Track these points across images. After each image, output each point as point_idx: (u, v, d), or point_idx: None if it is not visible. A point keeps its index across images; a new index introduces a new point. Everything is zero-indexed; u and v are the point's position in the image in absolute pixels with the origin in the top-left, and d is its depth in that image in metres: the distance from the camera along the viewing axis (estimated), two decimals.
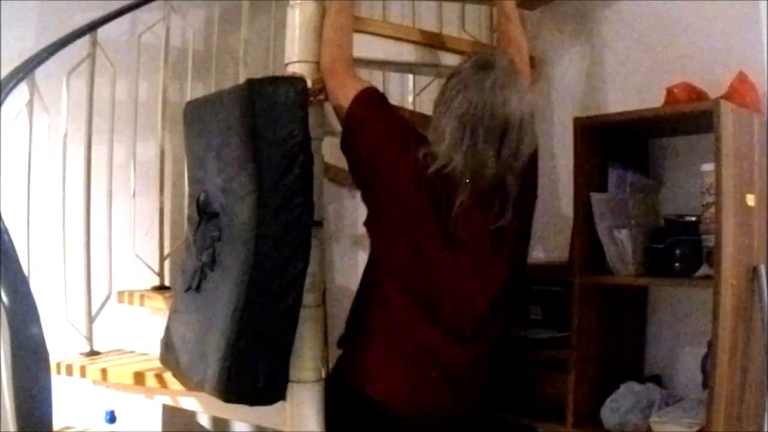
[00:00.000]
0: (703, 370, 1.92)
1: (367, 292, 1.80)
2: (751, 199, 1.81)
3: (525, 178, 1.75)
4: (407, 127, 1.79)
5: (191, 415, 2.84)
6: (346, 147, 1.79)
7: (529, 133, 1.68)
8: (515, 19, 2.00)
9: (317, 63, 1.81)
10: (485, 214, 1.71)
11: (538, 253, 2.37)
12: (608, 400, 1.96)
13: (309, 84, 1.75)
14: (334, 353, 1.88)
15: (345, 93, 1.76)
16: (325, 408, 1.80)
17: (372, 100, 1.77)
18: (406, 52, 2.03)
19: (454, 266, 1.72)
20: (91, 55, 2.41)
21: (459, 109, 1.65)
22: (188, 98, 2.49)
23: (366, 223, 1.81)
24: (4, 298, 1.59)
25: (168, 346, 1.96)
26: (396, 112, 1.84)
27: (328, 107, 1.85)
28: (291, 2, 1.84)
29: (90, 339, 2.43)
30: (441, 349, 1.74)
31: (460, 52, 2.17)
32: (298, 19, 1.82)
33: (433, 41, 2.09)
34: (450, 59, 2.11)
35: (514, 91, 1.66)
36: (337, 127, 1.82)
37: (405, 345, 1.73)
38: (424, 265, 1.72)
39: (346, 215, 2.51)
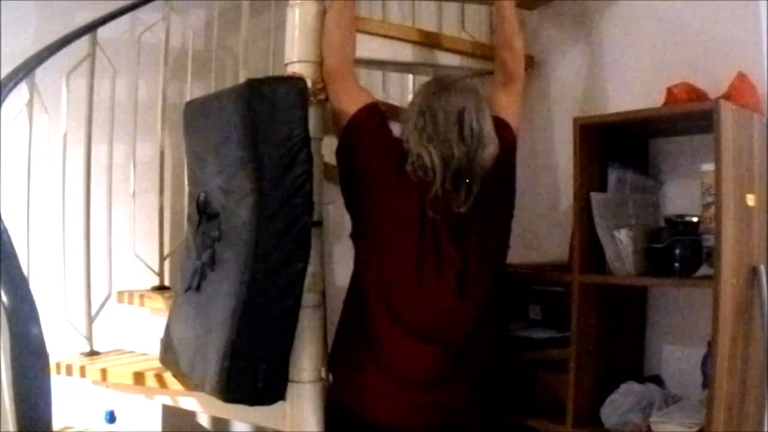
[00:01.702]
0: (703, 370, 1.92)
1: (351, 308, 1.82)
2: (751, 199, 1.81)
3: (499, 181, 1.80)
4: (401, 147, 1.82)
5: (191, 415, 2.84)
6: (342, 157, 1.82)
7: (488, 126, 1.76)
8: (512, 19, 1.99)
9: (317, 63, 1.81)
10: (452, 201, 1.75)
11: (538, 254, 2.37)
12: (608, 400, 1.96)
13: (309, 84, 1.75)
14: None
15: (348, 102, 1.79)
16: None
17: (373, 118, 1.80)
18: (406, 52, 2.03)
19: (433, 275, 1.75)
20: (91, 55, 2.41)
21: (419, 105, 1.77)
22: (188, 98, 2.49)
23: (352, 236, 1.84)
24: (4, 298, 1.59)
25: (168, 346, 1.96)
26: (392, 132, 1.89)
27: (329, 107, 1.85)
28: (291, 2, 1.84)
29: (90, 339, 2.43)
30: (423, 360, 1.76)
31: (460, 52, 2.17)
32: (298, 19, 1.82)
33: (433, 41, 2.09)
34: (449, 59, 2.12)
35: (468, 92, 1.78)
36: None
37: (388, 359, 1.75)
38: (404, 275, 1.75)
39: (346, 215, 2.50)
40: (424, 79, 2.65)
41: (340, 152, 1.82)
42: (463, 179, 1.74)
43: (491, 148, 1.76)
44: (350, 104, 1.79)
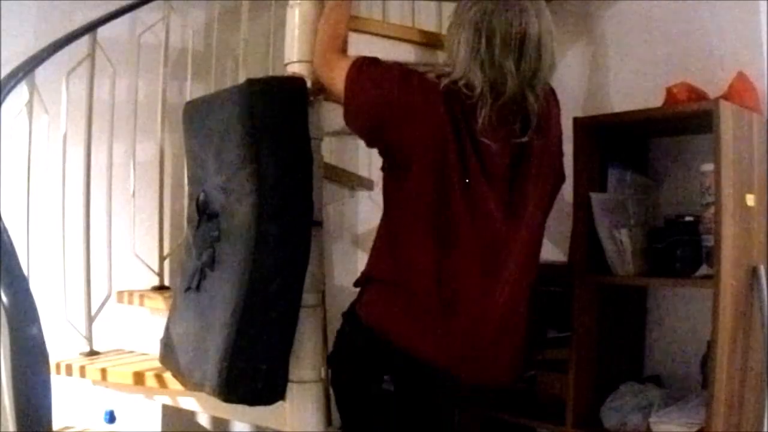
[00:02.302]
0: (703, 370, 1.92)
1: (389, 239, 1.70)
2: (750, 199, 1.81)
3: (549, 118, 1.71)
4: (405, 69, 1.72)
5: (191, 415, 2.83)
6: (353, 118, 1.71)
7: (549, 51, 1.64)
8: None
9: None
10: (507, 131, 1.64)
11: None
12: (608, 400, 1.96)
13: (309, 84, 1.75)
14: None
15: (339, 75, 1.69)
16: (341, 346, 1.77)
17: (364, 64, 1.70)
18: (406, 52, 2.03)
19: (478, 193, 1.63)
20: (91, 55, 2.41)
21: (473, 19, 1.60)
22: (188, 98, 2.49)
23: (384, 168, 1.73)
24: (4, 298, 1.59)
25: (168, 346, 1.96)
26: (389, 64, 1.75)
27: (328, 107, 1.85)
28: (291, 2, 1.84)
29: (90, 339, 2.43)
30: (469, 291, 1.64)
31: None
32: (297, 19, 1.82)
33: (433, 41, 2.09)
34: None
35: (530, 2, 1.62)
36: (337, 126, 1.82)
37: (430, 291, 1.62)
38: (449, 197, 1.62)
39: (346, 215, 2.50)
40: None
41: (348, 117, 1.71)
42: (514, 113, 1.63)
43: (545, 79, 1.65)
44: (340, 78, 1.69)
